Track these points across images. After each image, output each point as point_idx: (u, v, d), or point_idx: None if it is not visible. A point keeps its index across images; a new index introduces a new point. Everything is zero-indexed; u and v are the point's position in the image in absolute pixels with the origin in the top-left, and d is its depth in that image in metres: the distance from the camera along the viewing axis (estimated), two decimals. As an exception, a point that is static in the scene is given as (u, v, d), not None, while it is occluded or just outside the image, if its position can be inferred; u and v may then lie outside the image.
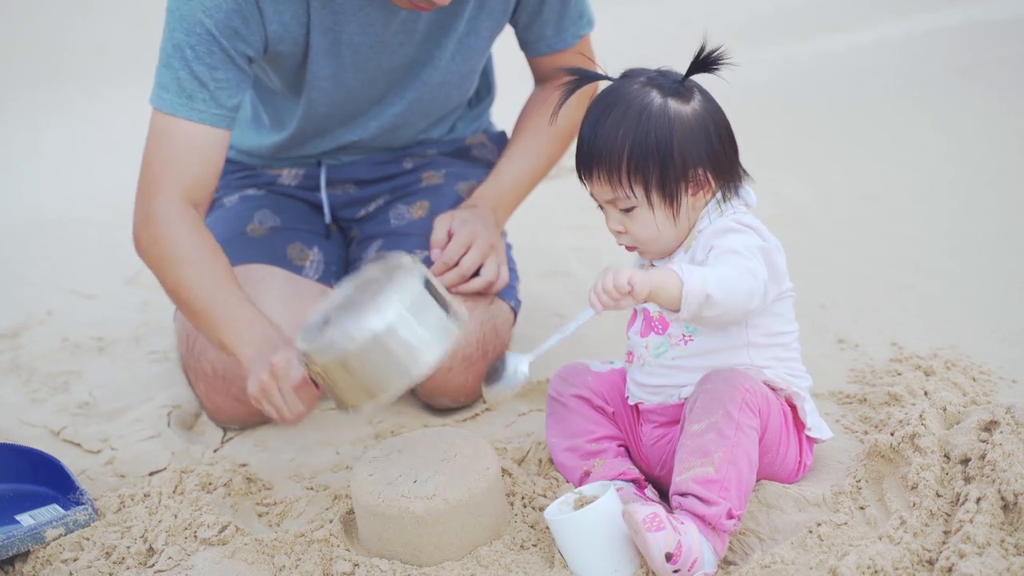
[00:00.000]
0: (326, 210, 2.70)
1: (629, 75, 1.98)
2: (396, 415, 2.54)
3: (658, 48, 5.63)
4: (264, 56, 2.40)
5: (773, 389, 1.99)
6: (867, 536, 1.87)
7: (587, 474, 2.08)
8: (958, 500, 1.87)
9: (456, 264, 2.45)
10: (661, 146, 1.90)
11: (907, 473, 1.95)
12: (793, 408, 2.02)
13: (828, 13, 6.44)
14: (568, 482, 2.12)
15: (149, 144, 2.30)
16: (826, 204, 3.66)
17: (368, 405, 1.88)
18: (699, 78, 1.97)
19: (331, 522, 2.05)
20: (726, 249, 1.90)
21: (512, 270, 2.66)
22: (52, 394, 2.72)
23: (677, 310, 1.82)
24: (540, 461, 2.21)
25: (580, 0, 2.55)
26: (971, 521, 1.78)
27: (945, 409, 2.11)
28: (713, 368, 1.96)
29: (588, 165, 1.95)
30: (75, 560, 2.00)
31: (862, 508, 1.95)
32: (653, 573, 1.84)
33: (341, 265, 2.69)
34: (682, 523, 1.81)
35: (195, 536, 2.02)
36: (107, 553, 2.01)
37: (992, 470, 1.85)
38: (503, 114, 2.95)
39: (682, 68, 1.97)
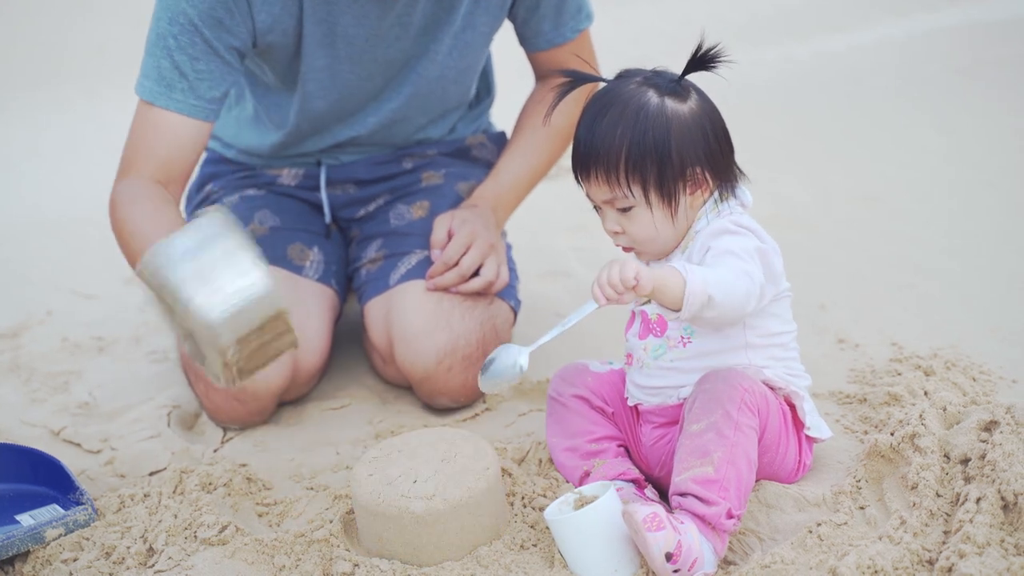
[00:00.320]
0: (326, 210, 2.70)
1: (625, 75, 1.98)
2: (396, 415, 2.54)
3: (658, 48, 5.64)
4: (255, 48, 2.40)
5: (772, 388, 1.99)
6: (867, 536, 1.87)
7: (587, 474, 2.08)
8: (958, 500, 1.87)
9: (456, 264, 2.45)
10: (659, 145, 1.90)
11: (907, 473, 1.95)
12: (792, 407, 2.02)
13: (828, 13, 6.43)
14: (568, 482, 2.12)
15: (130, 130, 2.34)
16: (826, 204, 3.66)
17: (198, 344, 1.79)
18: (698, 78, 1.97)
19: (331, 522, 2.05)
20: (723, 251, 1.90)
21: (512, 270, 2.66)
22: (52, 394, 2.72)
23: (677, 309, 1.82)
24: (540, 461, 2.21)
25: None
26: (971, 521, 1.78)
27: (945, 409, 2.11)
28: (711, 369, 1.96)
29: (585, 165, 1.95)
30: (75, 560, 2.00)
31: (862, 508, 1.95)
32: (653, 573, 1.84)
33: (341, 265, 2.69)
34: (682, 523, 1.81)
35: (195, 536, 2.02)
36: (107, 553, 2.01)
37: (992, 470, 1.85)
38: (503, 114, 2.96)
39: (682, 68, 1.97)
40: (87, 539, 2.04)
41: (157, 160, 2.30)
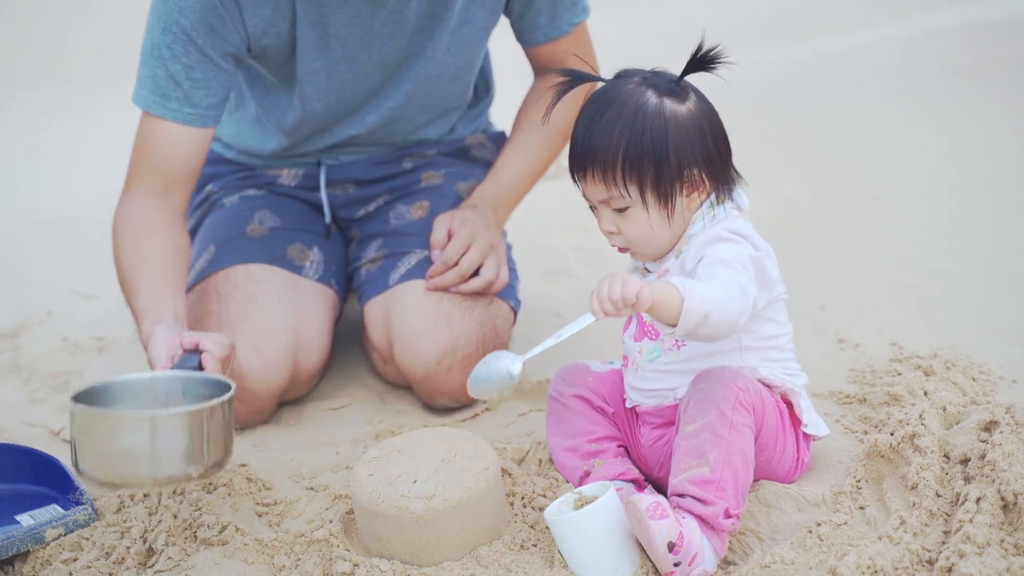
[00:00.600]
0: (326, 210, 2.70)
1: (623, 75, 1.97)
2: (396, 415, 2.54)
3: (659, 49, 5.64)
4: (250, 53, 2.40)
5: (768, 387, 1.98)
6: (867, 536, 1.86)
7: (587, 474, 2.08)
8: (958, 500, 1.87)
9: (456, 264, 2.45)
10: (657, 145, 1.90)
11: (907, 473, 1.95)
12: (789, 405, 2.02)
13: (828, 14, 6.44)
14: (568, 482, 2.12)
15: (135, 137, 2.37)
16: (826, 204, 3.66)
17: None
18: (698, 78, 1.97)
19: (331, 522, 2.05)
20: (716, 260, 1.88)
21: (512, 270, 2.66)
22: (52, 394, 2.72)
23: (673, 324, 1.81)
24: (540, 461, 2.21)
25: None
26: (971, 521, 1.78)
27: (945, 409, 2.10)
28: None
29: (582, 164, 1.95)
30: (75, 560, 2.00)
31: (862, 508, 1.95)
32: (653, 571, 1.84)
33: (341, 265, 2.69)
34: (684, 517, 1.82)
35: (195, 536, 2.02)
36: (107, 553, 2.01)
37: (992, 470, 1.85)
38: (503, 113, 2.95)
39: (681, 68, 1.96)
40: (87, 539, 2.04)
41: (158, 169, 2.34)
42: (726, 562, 1.90)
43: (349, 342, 2.81)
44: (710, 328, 1.81)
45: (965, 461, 1.94)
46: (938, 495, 1.90)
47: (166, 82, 2.30)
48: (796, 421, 2.02)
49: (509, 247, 2.72)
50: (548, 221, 3.59)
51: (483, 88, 2.84)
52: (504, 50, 2.85)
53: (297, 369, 2.49)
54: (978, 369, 2.40)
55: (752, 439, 1.90)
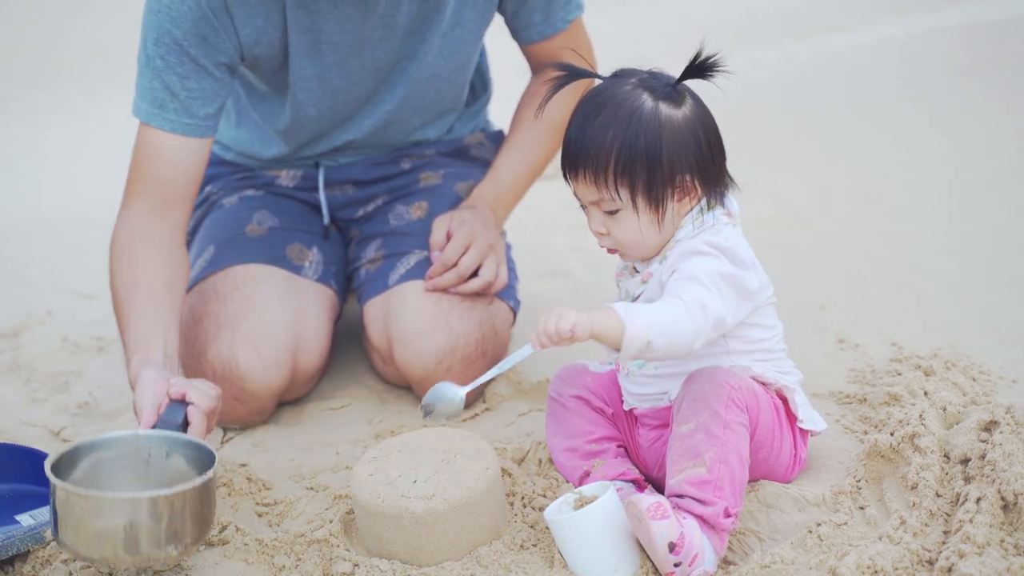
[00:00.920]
0: (324, 211, 2.70)
1: (620, 75, 1.96)
2: (396, 415, 2.54)
3: (658, 48, 5.63)
4: (243, 62, 2.40)
5: (763, 384, 1.98)
6: (867, 536, 1.87)
7: (587, 474, 2.08)
8: (958, 500, 1.87)
9: (455, 264, 2.45)
10: (650, 150, 1.88)
11: (907, 473, 1.95)
12: (785, 401, 2.01)
13: (828, 13, 6.43)
14: (568, 482, 2.12)
15: (133, 150, 2.36)
16: (826, 204, 3.66)
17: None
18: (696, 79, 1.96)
19: (331, 522, 2.05)
20: (686, 276, 1.87)
21: (511, 270, 2.66)
22: (52, 394, 2.72)
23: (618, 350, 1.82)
24: (540, 461, 2.21)
25: None
26: (971, 521, 1.78)
27: (945, 409, 2.10)
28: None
29: (574, 165, 1.94)
30: (75, 560, 2.00)
31: (862, 508, 1.95)
32: (653, 571, 1.84)
33: (340, 265, 2.69)
34: (685, 518, 1.82)
35: (195, 536, 2.02)
36: (107, 553, 2.01)
37: (992, 470, 1.85)
38: (501, 112, 2.95)
39: (680, 69, 1.95)
40: (87, 539, 2.04)
41: (156, 182, 2.33)
42: (726, 562, 1.90)
43: (349, 342, 2.80)
44: (657, 352, 1.82)
45: (965, 461, 1.94)
46: (938, 495, 1.90)
47: (163, 93, 2.30)
48: (792, 417, 2.02)
49: (508, 247, 2.72)
50: (547, 221, 3.58)
51: (480, 86, 2.83)
52: (501, 48, 2.85)
53: (297, 369, 2.49)
54: (978, 369, 2.40)
55: (747, 437, 1.89)
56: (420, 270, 2.52)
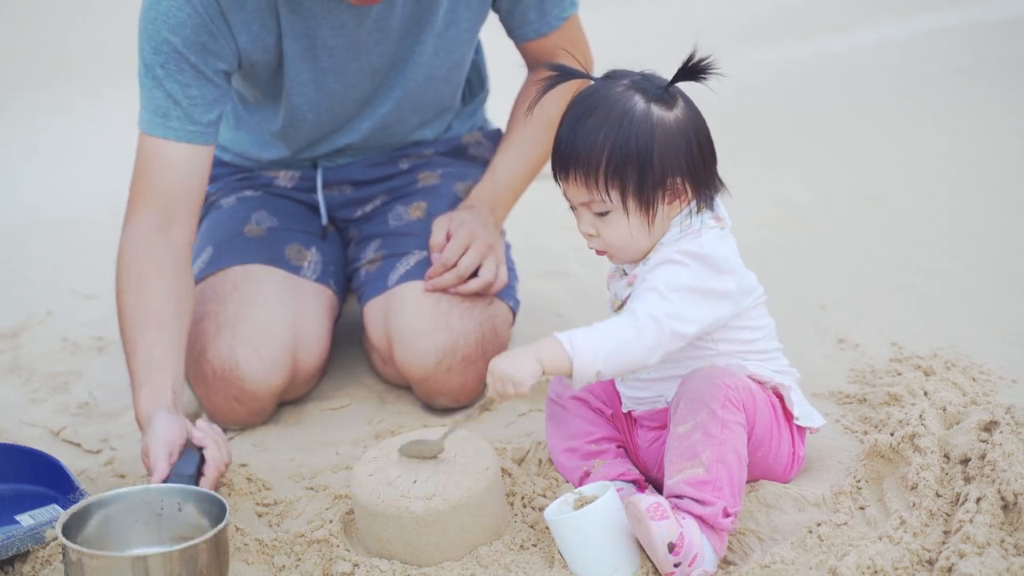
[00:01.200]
0: (323, 211, 2.70)
1: (612, 76, 1.95)
2: (396, 415, 2.54)
3: (659, 48, 5.63)
4: (240, 69, 2.39)
5: (759, 383, 1.98)
6: (867, 536, 1.86)
7: (587, 474, 2.07)
8: (958, 500, 1.87)
9: (454, 265, 2.45)
10: (641, 152, 1.88)
11: (907, 473, 1.95)
12: (781, 399, 2.01)
13: (829, 13, 6.43)
14: (568, 482, 2.12)
15: (134, 163, 2.34)
16: (827, 204, 3.66)
17: None
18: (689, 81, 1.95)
19: (331, 522, 2.05)
20: (649, 286, 1.88)
21: (511, 270, 2.65)
22: (52, 394, 2.72)
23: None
24: (540, 461, 2.21)
25: None
26: (971, 521, 1.78)
27: (945, 409, 2.10)
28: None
29: (565, 165, 1.93)
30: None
31: (862, 508, 1.95)
32: (653, 571, 1.84)
33: (339, 265, 2.69)
34: (684, 518, 1.81)
35: (195, 536, 2.02)
36: (107, 553, 2.01)
37: (992, 470, 1.85)
38: (499, 111, 2.94)
39: (676, 70, 1.94)
40: (87, 539, 2.04)
41: (160, 194, 2.30)
42: (726, 562, 1.90)
43: (349, 342, 2.80)
44: (610, 376, 1.86)
45: (965, 461, 1.94)
46: (938, 495, 1.90)
47: (165, 101, 2.29)
48: (789, 415, 2.02)
49: (508, 247, 2.72)
50: (546, 221, 3.58)
51: (477, 83, 2.83)
52: (499, 46, 2.84)
53: (296, 369, 2.49)
54: (978, 369, 2.40)
55: (744, 436, 1.89)
56: (420, 270, 2.51)
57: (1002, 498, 1.80)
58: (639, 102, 1.90)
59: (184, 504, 1.96)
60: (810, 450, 2.12)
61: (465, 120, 2.81)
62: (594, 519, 1.84)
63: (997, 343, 2.57)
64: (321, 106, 2.51)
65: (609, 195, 1.90)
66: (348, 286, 2.72)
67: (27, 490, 2.16)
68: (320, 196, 2.70)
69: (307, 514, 2.15)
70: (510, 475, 2.13)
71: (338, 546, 1.99)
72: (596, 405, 2.12)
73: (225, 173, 2.75)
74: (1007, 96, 4.69)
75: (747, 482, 1.96)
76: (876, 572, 1.75)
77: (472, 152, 2.79)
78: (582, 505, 1.88)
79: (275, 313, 2.46)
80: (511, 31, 2.59)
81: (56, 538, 2.01)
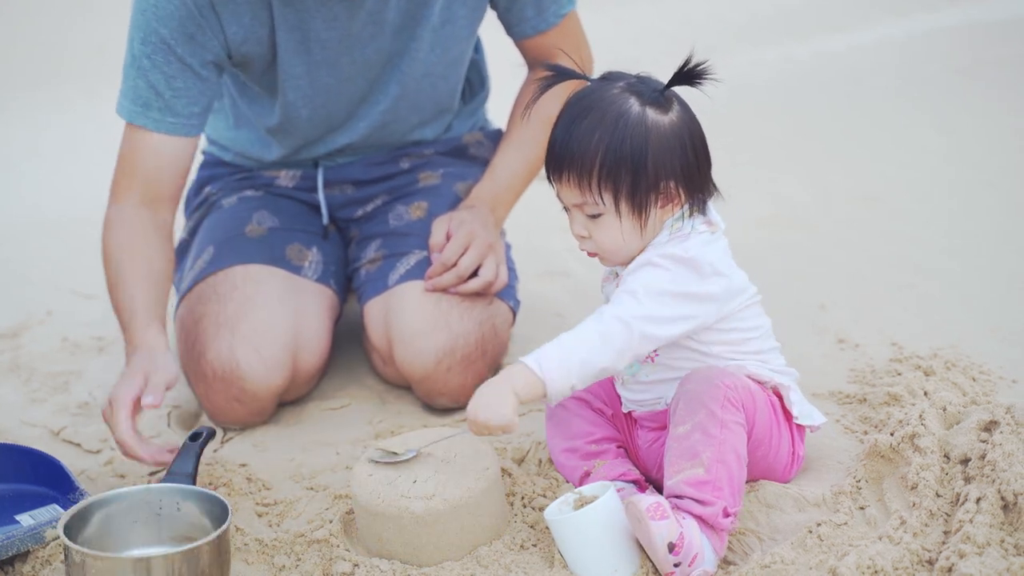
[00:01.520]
0: (323, 210, 2.70)
1: (608, 78, 1.96)
2: (396, 415, 2.54)
3: (658, 48, 5.63)
4: (231, 61, 2.40)
5: (759, 382, 1.98)
6: (867, 536, 1.87)
7: (587, 474, 2.07)
8: (958, 500, 1.87)
9: (454, 265, 2.45)
10: (635, 155, 1.88)
11: (907, 473, 1.95)
12: (780, 398, 2.01)
13: (828, 13, 6.44)
14: (568, 482, 2.12)
15: (120, 145, 2.39)
16: (826, 204, 3.66)
17: None
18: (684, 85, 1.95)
19: (331, 522, 2.05)
20: (625, 289, 1.89)
21: (511, 270, 2.65)
22: (52, 394, 2.72)
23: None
24: (540, 461, 2.21)
25: None
26: (971, 521, 1.78)
27: (945, 409, 2.10)
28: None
29: (559, 167, 1.93)
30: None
31: (862, 508, 1.95)
32: (653, 571, 1.84)
33: (340, 265, 2.69)
34: (684, 518, 1.82)
35: (195, 536, 2.02)
36: (107, 553, 2.01)
37: (992, 470, 1.85)
38: (500, 111, 2.95)
39: (675, 71, 1.94)
40: (87, 539, 2.04)
41: (141, 180, 2.36)
42: (726, 562, 1.90)
43: (349, 342, 2.80)
44: (586, 385, 1.88)
45: (965, 461, 1.94)
46: (938, 495, 1.90)
47: (147, 92, 2.32)
48: (789, 415, 2.02)
49: (508, 247, 2.72)
50: (546, 220, 3.57)
51: (478, 83, 2.83)
52: (499, 46, 2.84)
53: (297, 369, 2.49)
54: (978, 369, 2.40)
55: (744, 436, 1.89)
56: (420, 270, 2.52)
57: (1002, 498, 1.80)
58: (634, 105, 1.89)
59: (183, 504, 1.97)
60: (810, 450, 2.12)
61: (466, 120, 2.81)
62: (594, 519, 1.85)
63: (996, 343, 2.57)
64: (316, 101, 2.51)
65: (602, 198, 1.91)
66: (349, 286, 2.72)
67: (27, 490, 2.16)
68: (321, 195, 2.70)
69: (307, 514, 2.15)
70: (510, 475, 2.14)
71: (338, 546, 1.99)
72: (596, 405, 2.12)
73: (225, 173, 2.75)
74: (1006, 96, 4.70)
75: (747, 482, 1.96)
76: (876, 572, 1.75)
77: (473, 152, 2.79)
78: (582, 505, 1.88)
79: (276, 313, 2.46)
80: (509, 28, 2.59)
81: (56, 538, 2.01)
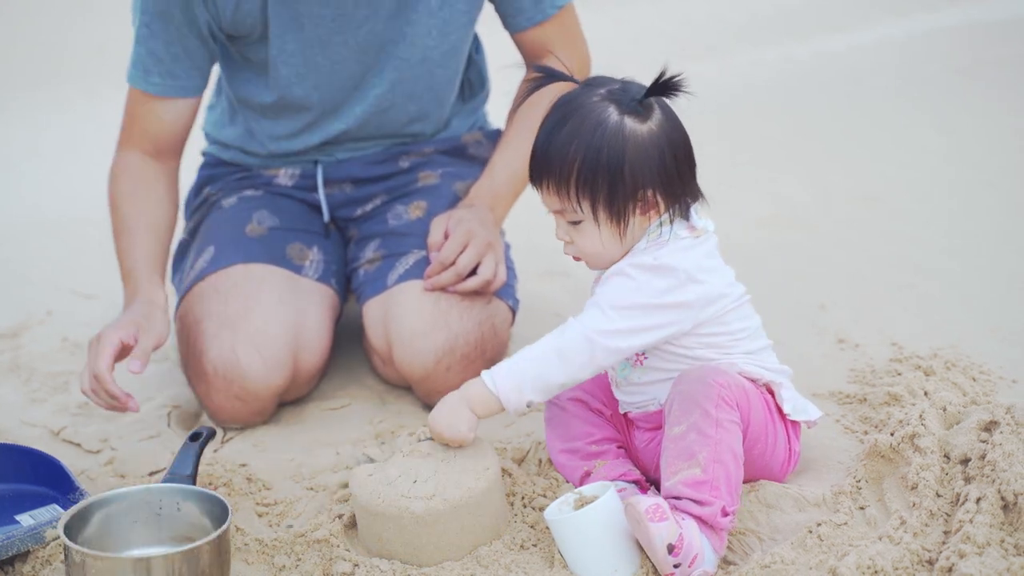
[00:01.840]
0: (324, 209, 2.70)
1: (592, 84, 1.96)
2: (396, 415, 2.54)
3: (658, 47, 5.63)
4: (225, 34, 2.46)
5: (752, 380, 1.98)
6: (867, 536, 1.87)
7: (588, 474, 2.07)
8: (958, 500, 1.87)
9: (453, 263, 2.45)
10: (612, 164, 1.88)
11: (907, 473, 1.95)
12: (774, 395, 2.01)
13: (828, 13, 6.44)
14: (568, 482, 2.12)
15: (124, 109, 2.55)
16: (826, 204, 3.67)
17: None
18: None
19: (331, 522, 2.05)
20: (592, 301, 1.93)
21: (510, 269, 2.65)
22: (52, 394, 2.72)
23: None
24: (540, 461, 2.21)
25: None
26: (971, 521, 1.78)
27: (945, 409, 2.11)
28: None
29: (539, 174, 1.95)
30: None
31: (862, 508, 1.95)
32: (653, 571, 1.84)
33: (341, 264, 2.69)
34: (684, 519, 1.82)
35: (195, 536, 2.02)
36: (107, 553, 2.01)
37: (992, 470, 1.85)
38: (500, 112, 2.94)
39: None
40: (87, 539, 2.04)
41: (146, 135, 2.51)
42: (726, 562, 1.90)
43: (349, 342, 2.80)
44: (546, 398, 1.95)
45: (965, 461, 1.94)
46: (938, 495, 1.90)
47: (147, 58, 2.45)
48: (783, 411, 2.02)
49: (507, 246, 2.72)
50: (545, 220, 3.58)
51: (477, 83, 2.83)
52: (499, 46, 2.84)
53: (297, 369, 2.49)
54: (978, 369, 2.41)
55: (739, 435, 1.89)
56: (419, 270, 2.51)
57: (1002, 498, 1.80)
58: (612, 114, 1.90)
59: (183, 504, 1.97)
60: (810, 450, 2.12)
61: (465, 119, 2.81)
62: (594, 519, 1.85)
63: (996, 343, 2.57)
64: (308, 80, 2.52)
65: (580, 206, 1.91)
66: (349, 285, 2.72)
67: (27, 490, 2.16)
68: (321, 193, 2.70)
69: (307, 514, 2.15)
70: (510, 475, 2.14)
71: (338, 546, 1.99)
72: (595, 406, 2.12)
73: (225, 172, 2.75)
74: (1006, 96, 4.70)
75: (745, 481, 1.96)
76: (876, 572, 1.75)
77: (472, 152, 2.79)
78: (582, 505, 1.88)
79: (277, 312, 2.46)
80: (505, 20, 2.59)
81: (56, 538, 2.01)
